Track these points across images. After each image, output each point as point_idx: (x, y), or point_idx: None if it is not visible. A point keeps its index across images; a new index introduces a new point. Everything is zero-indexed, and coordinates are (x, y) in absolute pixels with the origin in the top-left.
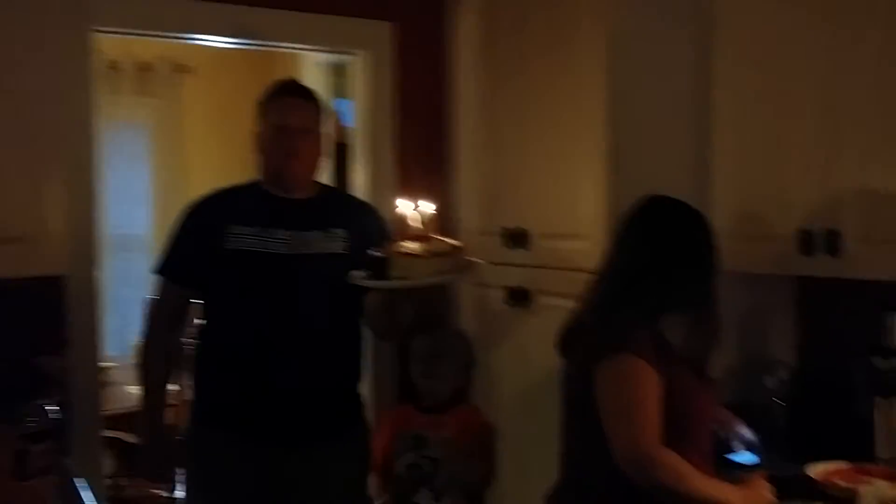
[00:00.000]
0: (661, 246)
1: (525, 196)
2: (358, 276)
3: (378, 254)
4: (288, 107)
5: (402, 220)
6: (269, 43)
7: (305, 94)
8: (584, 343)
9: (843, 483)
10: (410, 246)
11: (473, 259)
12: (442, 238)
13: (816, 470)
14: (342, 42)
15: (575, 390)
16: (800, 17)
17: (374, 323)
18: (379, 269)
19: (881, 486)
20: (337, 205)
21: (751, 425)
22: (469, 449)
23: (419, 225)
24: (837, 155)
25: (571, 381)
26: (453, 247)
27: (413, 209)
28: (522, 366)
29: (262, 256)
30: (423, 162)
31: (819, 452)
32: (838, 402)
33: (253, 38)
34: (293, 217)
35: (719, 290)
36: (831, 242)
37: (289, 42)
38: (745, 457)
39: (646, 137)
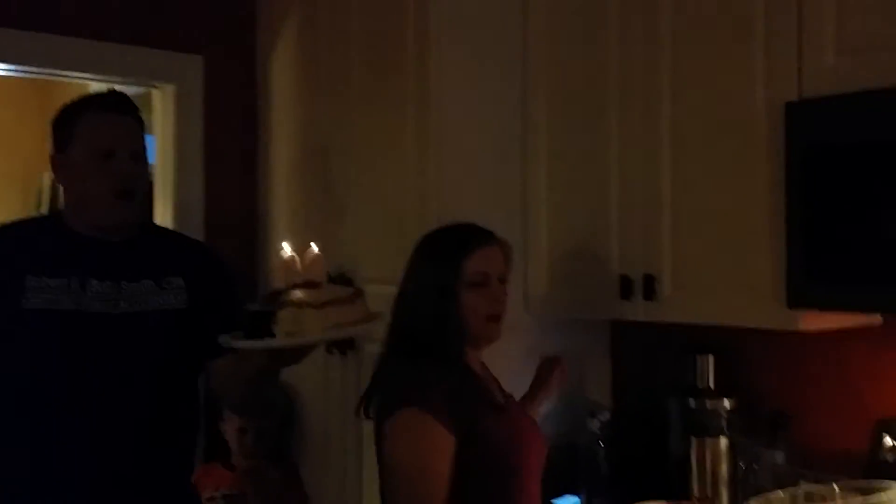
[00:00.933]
0: (415, 277)
1: (350, 237)
2: (229, 339)
3: (257, 307)
4: (116, 127)
5: (285, 265)
6: (60, 72)
7: (133, 111)
8: (375, 399)
9: None
10: (298, 296)
11: (373, 311)
12: (334, 285)
13: None
14: (145, 74)
15: (378, 453)
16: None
17: (231, 395)
18: (260, 325)
19: None
20: (168, 246)
21: (576, 468)
22: None
23: (302, 270)
24: (653, 201)
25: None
26: (353, 293)
27: (291, 252)
28: (347, 420)
29: (74, 317)
30: (236, 202)
31: (639, 493)
32: (655, 443)
33: (41, 66)
34: (114, 264)
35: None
36: (648, 287)
37: (81, 72)
38: (567, 500)
39: (469, 180)
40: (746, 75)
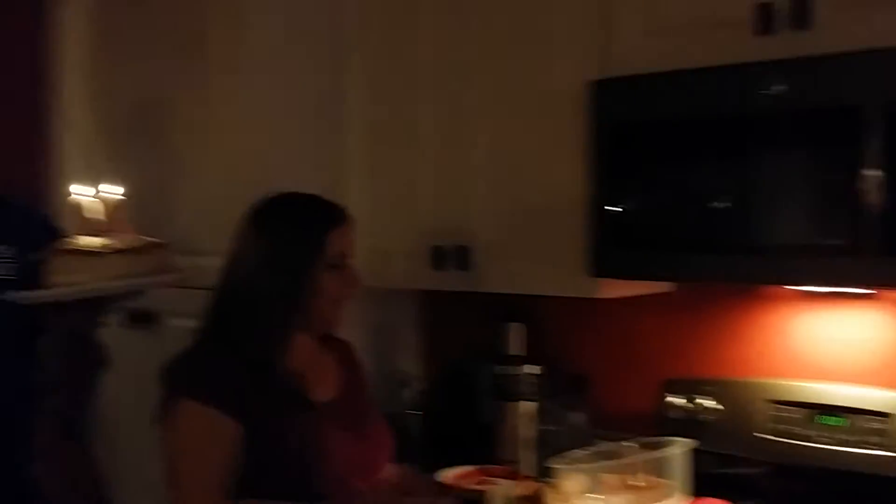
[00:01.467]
0: (255, 252)
1: (155, 207)
2: (10, 294)
3: (32, 257)
4: None
5: (76, 210)
6: None
7: None
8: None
9: (470, 486)
10: (86, 242)
11: (175, 263)
12: (134, 234)
13: (446, 475)
14: None
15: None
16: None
17: (49, 370)
18: (33, 275)
19: (506, 486)
20: None
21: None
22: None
23: (100, 216)
24: (466, 174)
25: None
26: (150, 244)
27: (91, 196)
28: (142, 397)
29: None
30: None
31: (452, 459)
32: (466, 410)
33: None
34: None
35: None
36: (461, 257)
37: None
38: None
39: (282, 150)
40: (554, 52)
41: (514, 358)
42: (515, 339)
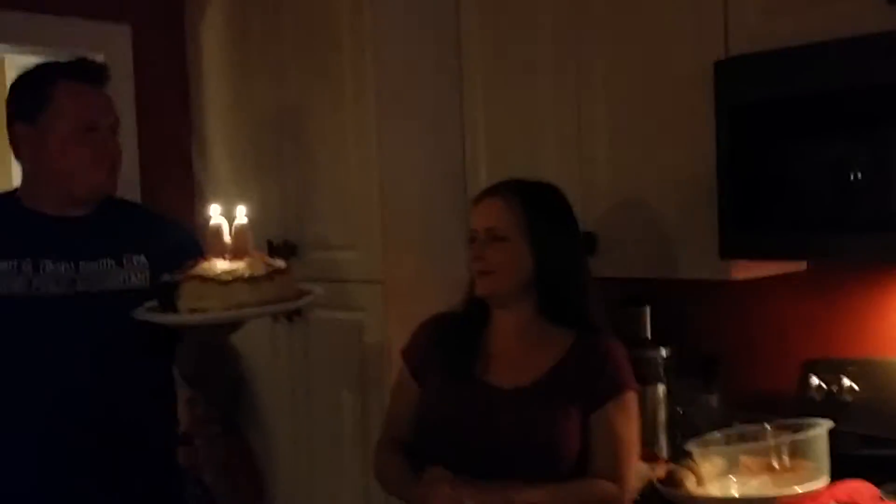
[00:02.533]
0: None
1: (293, 207)
2: (141, 311)
3: (166, 279)
4: (98, 97)
5: (215, 233)
6: None
7: (108, 80)
8: None
9: None
10: (215, 268)
11: (305, 287)
12: (263, 257)
13: None
14: (71, 44)
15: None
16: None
17: (184, 368)
18: (166, 298)
19: (645, 468)
20: (132, 222)
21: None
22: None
23: (227, 239)
24: (590, 160)
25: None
26: (275, 270)
27: (220, 217)
28: (290, 384)
29: (27, 302)
30: (172, 174)
31: None
32: None
33: None
34: (72, 243)
35: None
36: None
37: (6, 43)
38: None
39: (411, 145)
40: (675, 35)
41: (644, 340)
42: (644, 321)
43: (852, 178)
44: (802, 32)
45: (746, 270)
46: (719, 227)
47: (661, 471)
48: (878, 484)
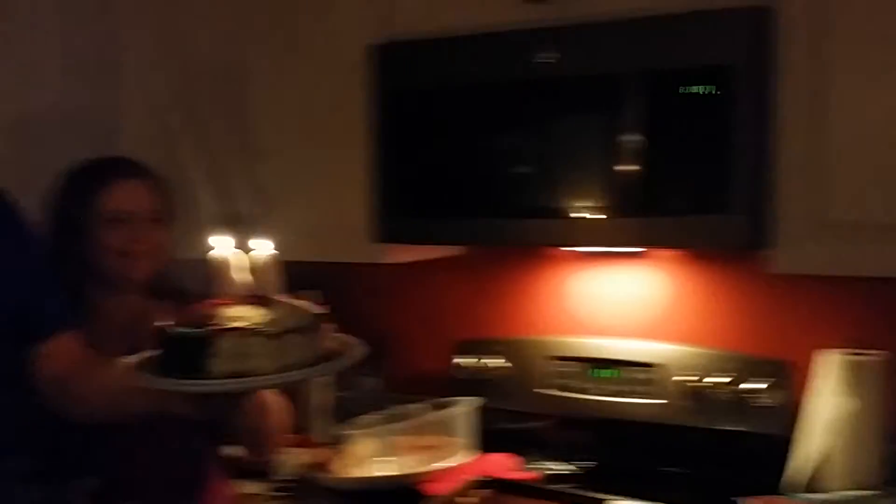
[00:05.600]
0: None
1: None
2: (144, 373)
3: (186, 329)
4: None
5: (221, 267)
6: None
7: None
8: None
9: None
10: (250, 315)
11: (347, 338)
12: (292, 303)
13: None
14: None
15: None
16: None
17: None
18: (194, 356)
19: (294, 454)
20: None
21: None
22: None
23: (247, 277)
24: (250, 144)
25: None
26: (314, 319)
27: (234, 249)
28: None
29: None
30: None
31: None
32: None
33: None
34: None
35: None
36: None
37: None
38: None
39: None
40: (338, 14)
41: None
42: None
43: (498, 168)
44: (453, 24)
45: (403, 254)
46: (375, 212)
47: (312, 456)
48: (520, 455)
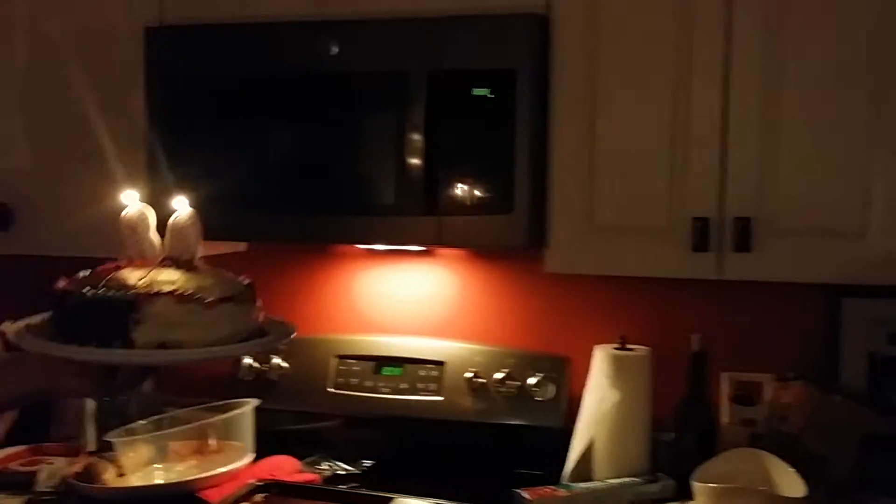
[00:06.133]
0: None
1: None
2: (32, 338)
3: (108, 292)
4: None
5: (131, 226)
6: None
7: None
8: None
9: (21, 468)
10: (167, 278)
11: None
12: (221, 272)
13: None
14: None
15: None
16: None
17: None
18: (114, 323)
19: (57, 464)
20: None
21: None
22: None
23: (154, 240)
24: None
25: None
26: (245, 287)
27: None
28: None
29: None
30: None
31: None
32: None
33: None
34: None
35: None
36: None
37: None
38: None
39: None
40: None
41: None
42: None
43: (279, 162)
44: (229, 10)
45: None
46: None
47: (78, 465)
48: (302, 457)
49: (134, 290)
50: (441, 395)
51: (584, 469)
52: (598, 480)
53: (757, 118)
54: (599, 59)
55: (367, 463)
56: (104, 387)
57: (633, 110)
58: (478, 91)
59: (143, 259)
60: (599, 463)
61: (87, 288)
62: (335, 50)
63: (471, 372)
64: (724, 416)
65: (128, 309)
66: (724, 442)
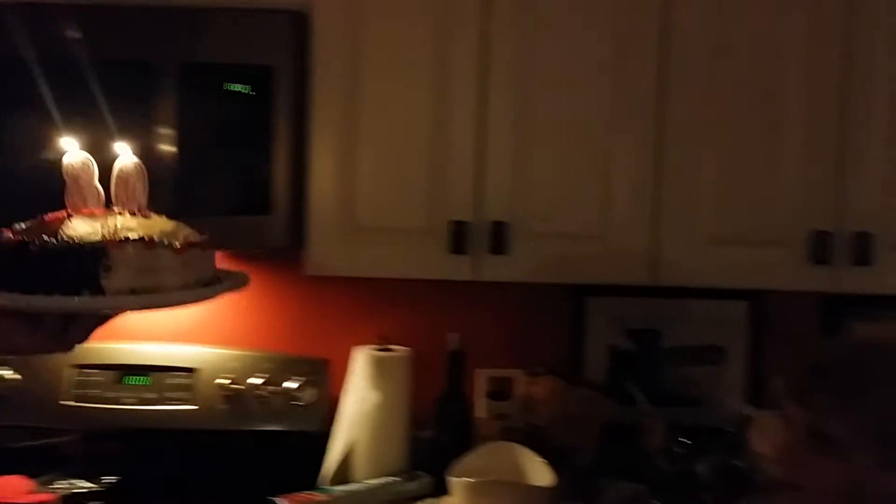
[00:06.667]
0: None
1: None
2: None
3: (75, 239)
4: None
5: (71, 176)
6: None
7: None
8: None
9: None
10: (127, 224)
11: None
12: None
13: None
14: None
15: None
16: None
17: None
18: (81, 271)
19: None
20: None
21: None
22: None
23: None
24: None
25: None
26: (202, 235)
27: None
28: None
29: None
30: None
31: None
32: None
33: None
34: None
35: None
36: None
37: None
38: None
39: None
40: None
41: None
42: None
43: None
44: None
45: None
46: None
47: None
48: (36, 475)
49: (101, 238)
50: (195, 404)
51: (344, 471)
52: (358, 482)
53: (512, 120)
54: (360, 58)
55: (110, 479)
56: (59, 340)
57: (393, 112)
58: (232, 87)
59: (87, 208)
60: (359, 464)
61: (47, 238)
62: (76, 35)
63: (226, 378)
64: (480, 411)
65: (97, 256)
66: (481, 436)
